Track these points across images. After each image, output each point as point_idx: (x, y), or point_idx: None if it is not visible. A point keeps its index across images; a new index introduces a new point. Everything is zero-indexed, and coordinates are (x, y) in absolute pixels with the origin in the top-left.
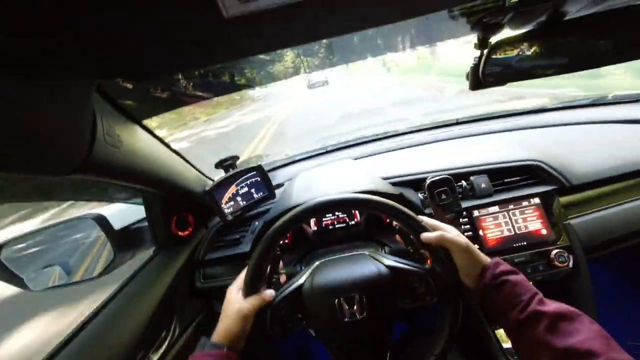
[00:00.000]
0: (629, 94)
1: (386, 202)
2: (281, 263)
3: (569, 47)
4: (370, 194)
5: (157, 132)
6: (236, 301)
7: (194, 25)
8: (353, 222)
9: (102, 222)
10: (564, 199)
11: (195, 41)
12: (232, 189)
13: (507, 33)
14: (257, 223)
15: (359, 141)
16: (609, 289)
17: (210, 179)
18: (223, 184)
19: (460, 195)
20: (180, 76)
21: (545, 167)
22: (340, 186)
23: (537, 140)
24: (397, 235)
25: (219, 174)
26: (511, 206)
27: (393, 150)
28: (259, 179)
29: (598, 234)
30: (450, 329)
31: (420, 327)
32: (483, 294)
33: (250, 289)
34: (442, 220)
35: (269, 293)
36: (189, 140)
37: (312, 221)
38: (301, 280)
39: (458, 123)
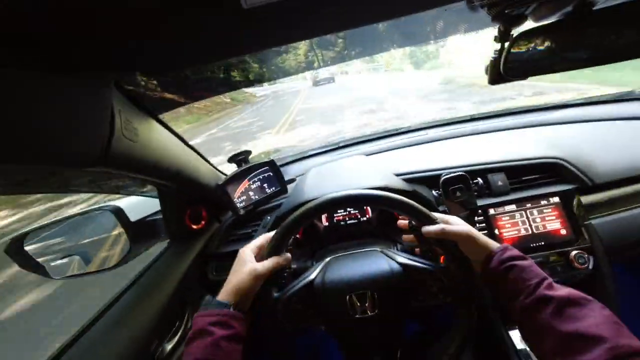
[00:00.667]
0: None
1: (399, 198)
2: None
3: (597, 39)
4: (383, 190)
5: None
6: (250, 260)
7: (212, 17)
8: (365, 219)
9: (119, 214)
10: (585, 199)
11: (213, 33)
12: (245, 184)
13: (529, 25)
14: (269, 218)
15: (371, 137)
16: (635, 292)
17: (223, 173)
18: (235, 178)
19: (475, 193)
20: (196, 72)
21: (567, 165)
22: (352, 182)
23: (557, 137)
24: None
25: (232, 169)
26: (529, 205)
27: (406, 146)
28: (271, 174)
29: (622, 236)
30: (465, 329)
31: (434, 326)
32: (490, 280)
33: (268, 253)
34: None
35: (286, 257)
36: None
37: (324, 217)
38: (312, 276)
39: (473, 119)
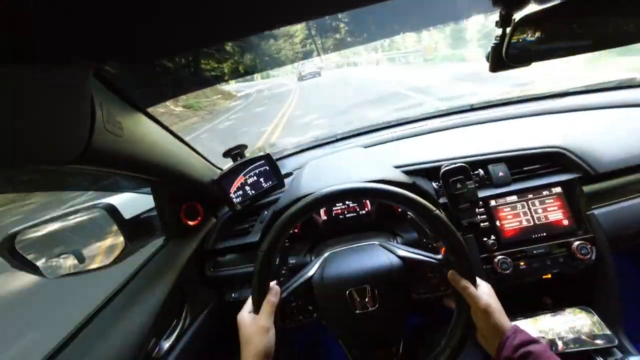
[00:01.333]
0: None
1: (399, 191)
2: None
3: (603, 23)
4: (382, 182)
5: None
6: (251, 322)
7: None
8: (364, 212)
9: (112, 211)
10: (587, 188)
11: (201, 16)
12: (241, 179)
13: (532, 8)
14: (266, 212)
15: (369, 129)
16: (636, 283)
17: (218, 168)
18: (231, 173)
19: (476, 185)
20: (183, 61)
21: (568, 154)
22: (351, 175)
23: (558, 125)
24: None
25: (228, 164)
26: (530, 195)
27: (405, 137)
28: (267, 168)
29: (624, 225)
30: (467, 320)
31: (436, 317)
32: None
33: (259, 297)
34: (457, 210)
35: (275, 291)
36: None
37: (322, 211)
38: (311, 272)
39: (473, 109)
